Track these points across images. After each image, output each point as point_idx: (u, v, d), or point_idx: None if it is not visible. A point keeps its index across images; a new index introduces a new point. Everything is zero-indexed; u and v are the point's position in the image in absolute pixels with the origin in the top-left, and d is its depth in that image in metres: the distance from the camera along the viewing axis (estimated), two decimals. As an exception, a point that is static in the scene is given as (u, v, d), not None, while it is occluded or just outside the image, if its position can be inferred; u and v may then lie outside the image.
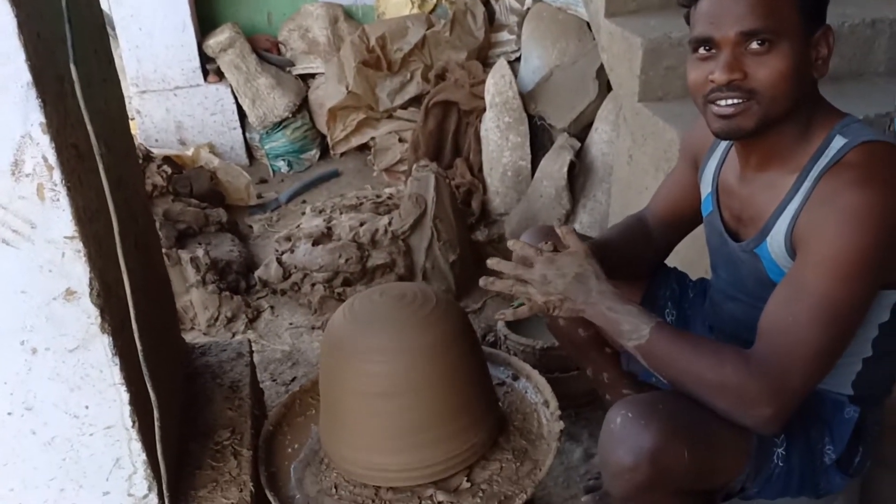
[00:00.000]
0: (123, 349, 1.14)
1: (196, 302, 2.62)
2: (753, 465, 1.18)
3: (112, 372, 1.12)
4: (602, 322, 1.20)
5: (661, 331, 1.15)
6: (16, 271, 1.03)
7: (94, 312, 1.07)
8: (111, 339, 1.10)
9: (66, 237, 1.02)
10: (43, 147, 0.97)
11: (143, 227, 1.47)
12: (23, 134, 0.96)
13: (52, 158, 0.98)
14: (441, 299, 1.41)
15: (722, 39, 1.12)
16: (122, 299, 1.13)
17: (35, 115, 0.96)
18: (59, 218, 1.01)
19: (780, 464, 1.20)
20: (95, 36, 1.33)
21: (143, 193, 1.54)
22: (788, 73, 1.10)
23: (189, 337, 2.59)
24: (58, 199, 1.00)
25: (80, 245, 1.04)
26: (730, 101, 1.12)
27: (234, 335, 2.58)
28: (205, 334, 2.58)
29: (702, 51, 1.16)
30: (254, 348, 2.50)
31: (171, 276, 2.70)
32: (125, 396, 1.14)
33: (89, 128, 1.02)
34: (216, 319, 2.60)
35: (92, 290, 1.06)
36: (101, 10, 1.41)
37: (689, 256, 2.01)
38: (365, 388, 1.34)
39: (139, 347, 1.13)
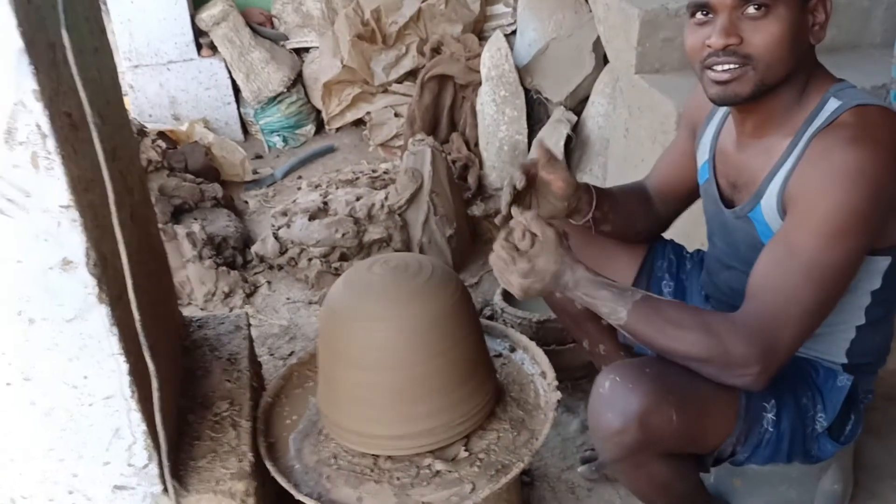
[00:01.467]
0: (121, 319, 1.14)
1: (193, 277, 2.62)
2: (742, 429, 1.20)
3: (110, 342, 1.12)
4: (582, 304, 1.20)
5: (639, 310, 1.14)
6: (12, 240, 1.02)
7: (92, 282, 1.07)
8: (109, 308, 1.10)
9: (61, 206, 1.02)
10: (36, 115, 0.96)
11: (140, 200, 1.46)
12: (16, 101, 0.95)
13: (45, 126, 0.97)
14: (440, 269, 1.41)
15: (719, 4, 1.12)
16: (119, 270, 1.13)
17: (28, 83, 0.94)
18: (54, 186, 1.00)
19: (770, 429, 1.21)
20: (87, 4, 1.31)
21: (138, 166, 1.52)
22: (785, 38, 1.10)
23: (186, 312, 2.58)
24: (52, 168, 0.99)
25: (75, 214, 1.03)
26: (726, 67, 1.12)
27: (231, 310, 2.58)
28: (202, 309, 2.58)
29: (699, 15, 1.16)
30: (251, 323, 2.51)
31: (167, 252, 2.71)
32: (124, 367, 1.14)
33: (82, 95, 1.01)
34: (213, 294, 2.61)
35: (88, 259, 1.06)
36: (92, -22, 1.39)
37: (686, 228, 2.02)
38: (363, 358, 1.34)
39: (137, 318, 1.12)
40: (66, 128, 1.04)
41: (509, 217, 1.26)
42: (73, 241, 1.04)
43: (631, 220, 1.51)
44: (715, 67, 1.14)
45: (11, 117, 0.96)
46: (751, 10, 1.10)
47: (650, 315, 1.14)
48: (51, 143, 0.98)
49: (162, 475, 1.24)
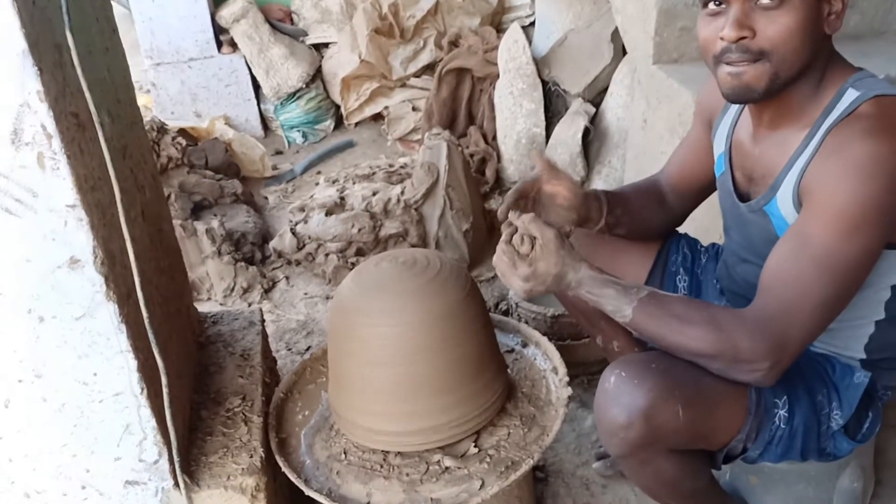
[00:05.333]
0: (130, 317, 1.15)
1: (212, 273, 2.65)
2: (753, 425, 1.18)
3: (119, 339, 1.13)
4: (576, 293, 1.19)
5: (644, 307, 1.13)
6: (20, 240, 1.04)
7: (99, 280, 1.08)
8: (117, 306, 1.11)
9: (67, 206, 1.03)
10: (41, 115, 0.97)
11: (152, 198, 1.47)
12: (21, 102, 0.96)
13: (50, 127, 0.98)
14: (449, 264, 1.40)
15: None
16: (128, 268, 1.14)
17: (32, 84, 0.95)
18: (61, 186, 1.01)
19: (782, 426, 1.19)
20: (98, 4, 1.32)
21: (151, 164, 1.53)
22: (799, 30, 1.06)
23: (206, 307, 2.62)
24: (58, 168, 1.00)
25: (82, 213, 1.04)
26: (739, 64, 1.09)
27: (249, 305, 2.60)
28: (221, 304, 2.61)
29: (711, 6, 1.13)
30: (269, 318, 2.53)
31: (187, 248, 2.74)
32: (133, 364, 1.15)
33: (87, 96, 1.02)
34: (232, 290, 2.63)
35: (96, 258, 1.07)
36: (103, -21, 1.40)
37: (703, 222, 1.99)
38: (372, 354, 1.34)
39: (145, 315, 1.13)
40: (72, 128, 1.05)
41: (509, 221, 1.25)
42: (80, 239, 1.05)
43: (645, 220, 1.50)
44: (728, 63, 1.11)
45: (17, 118, 0.97)
46: (764, 0, 1.07)
47: (655, 311, 1.12)
48: (56, 144, 0.99)
49: (173, 470, 1.26)
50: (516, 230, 1.21)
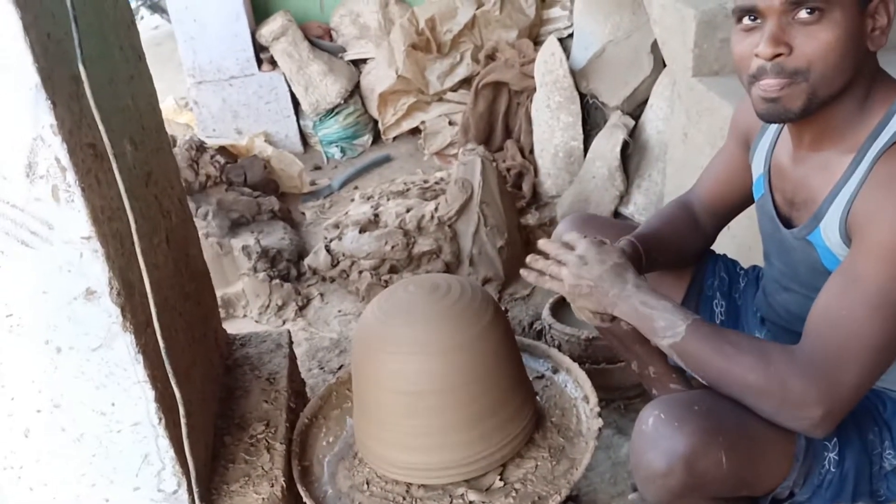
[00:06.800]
0: (148, 347, 1.14)
1: (248, 290, 2.66)
2: (801, 471, 1.10)
3: (136, 370, 1.12)
4: (634, 319, 1.13)
5: (698, 328, 1.07)
6: (37, 272, 1.04)
7: (115, 311, 1.08)
8: (133, 337, 1.10)
9: (82, 237, 1.03)
10: (55, 148, 0.97)
11: (178, 223, 1.47)
12: (34, 136, 0.96)
13: (64, 160, 0.98)
14: (474, 290, 1.36)
15: (767, 8, 1.02)
16: (147, 297, 1.13)
17: (46, 117, 0.96)
18: (76, 218, 1.01)
19: (832, 469, 1.11)
20: (121, 33, 1.33)
21: (178, 188, 1.54)
22: (840, 46, 0.99)
23: (241, 324, 2.63)
24: (72, 200, 1.00)
25: (97, 245, 1.04)
26: (773, 84, 1.03)
27: (284, 322, 2.60)
28: (256, 321, 2.62)
29: (746, 21, 1.07)
30: (302, 336, 2.53)
31: (223, 265, 2.76)
32: (150, 394, 1.15)
33: (101, 127, 1.01)
34: (267, 307, 2.63)
35: (111, 289, 1.06)
36: (128, 6, 1.41)
37: (746, 242, 1.90)
38: (396, 386, 1.31)
39: (162, 346, 1.12)
40: (88, 159, 1.04)
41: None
42: (96, 271, 1.05)
43: (682, 250, 1.44)
44: (763, 83, 1.04)
45: (31, 151, 0.97)
46: (802, 14, 1.00)
47: (711, 334, 1.07)
48: (70, 176, 0.99)
49: (192, 501, 1.25)
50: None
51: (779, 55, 1.02)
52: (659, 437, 1.05)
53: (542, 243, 1.27)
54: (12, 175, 0.98)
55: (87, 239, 1.03)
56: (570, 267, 1.18)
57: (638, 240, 1.35)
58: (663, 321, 1.10)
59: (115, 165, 1.04)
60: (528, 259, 1.26)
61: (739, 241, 1.94)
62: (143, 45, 1.45)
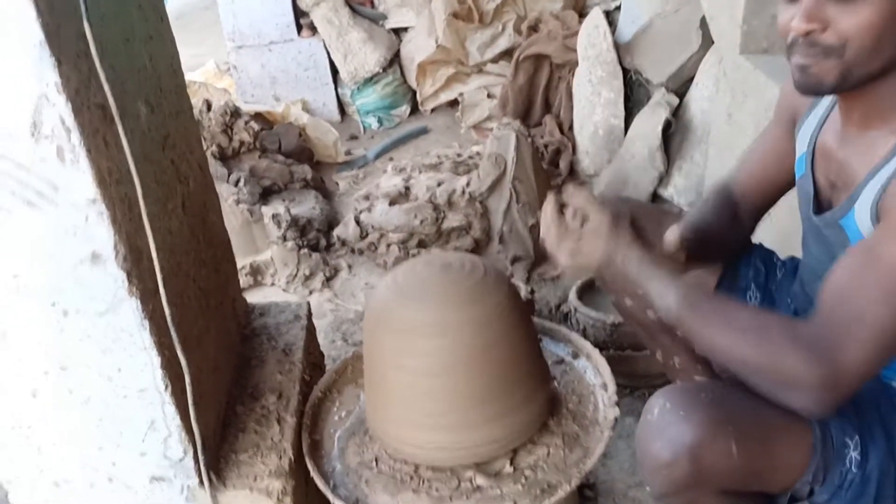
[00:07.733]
0: (156, 313, 1.13)
1: (276, 258, 2.66)
2: (819, 465, 1.04)
3: (142, 336, 1.11)
4: (624, 277, 1.11)
5: (692, 295, 1.04)
6: (43, 233, 1.02)
7: (121, 276, 1.06)
8: (139, 303, 1.08)
9: (88, 200, 1.00)
10: (59, 108, 0.95)
11: (196, 188, 1.45)
12: (39, 94, 0.94)
13: (69, 120, 0.96)
14: (489, 270, 1.31)
15: None
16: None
17: (50, 75, 0.93)
18: (81, 180, 0.99)
19: (855, 469, 1.05)
20: (141, -10, 1.29)
21: (198, 153, 1.51)
22: (879, 26, 0.93)
23: (269, 292, 2.64)
24: (77, 161, 0.98)
25: (103, 208, 1.01)
26: (806, 60, 0.98)
27: (311, 293, 2.59)
28: (284, 290, 2.61)
29: None
30: (328, 307, 2.52)
31: (253, 233, 2.76)
32: (157, 361, 1.13)
33: (105, 87, 0.98)
34: (295, 276, 2.63)
35: (117, 254, 1.04)
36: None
37: (787, 229, 1.80)
38: (406, 364, 1.28)
39: (167, 313, 1.11)
40: (96, 119, 1.02)
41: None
42: (101, 234, 1.03)
43: (724, 246, 1.39)
44: (795, 56, 1.00)
45: (36, 110, 0.95)
46: None
47: (703, 302, 1.04)
48: (75, 137, 0.97)
49: (198, 469, 1.24)
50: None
51: (812, 31, 0.96)
52: (664, 426, 1.02)
53: (570, 193, 1.20)
54: (17, 133, 0.96)
55: (93, 202, 1.01)
56: (563, 255, 1.15)
57: (687, 243, 1.31)
58: (655, 293, 1.07)
59: (119, 126, 1.01)
60: (546, 205, 1.19)
61: (779, 229, 1.85)
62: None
